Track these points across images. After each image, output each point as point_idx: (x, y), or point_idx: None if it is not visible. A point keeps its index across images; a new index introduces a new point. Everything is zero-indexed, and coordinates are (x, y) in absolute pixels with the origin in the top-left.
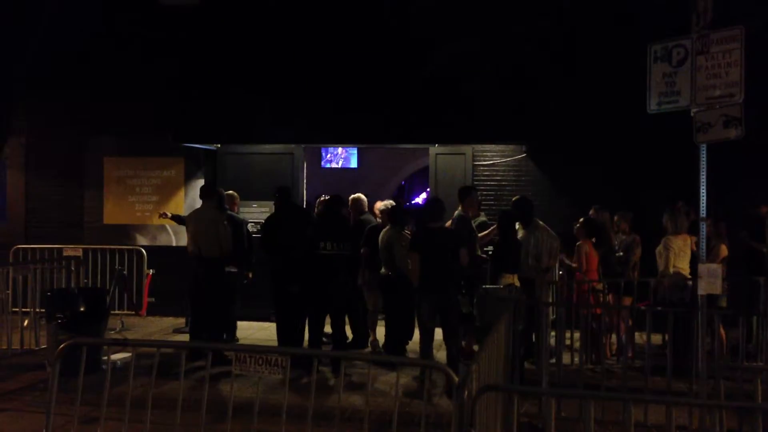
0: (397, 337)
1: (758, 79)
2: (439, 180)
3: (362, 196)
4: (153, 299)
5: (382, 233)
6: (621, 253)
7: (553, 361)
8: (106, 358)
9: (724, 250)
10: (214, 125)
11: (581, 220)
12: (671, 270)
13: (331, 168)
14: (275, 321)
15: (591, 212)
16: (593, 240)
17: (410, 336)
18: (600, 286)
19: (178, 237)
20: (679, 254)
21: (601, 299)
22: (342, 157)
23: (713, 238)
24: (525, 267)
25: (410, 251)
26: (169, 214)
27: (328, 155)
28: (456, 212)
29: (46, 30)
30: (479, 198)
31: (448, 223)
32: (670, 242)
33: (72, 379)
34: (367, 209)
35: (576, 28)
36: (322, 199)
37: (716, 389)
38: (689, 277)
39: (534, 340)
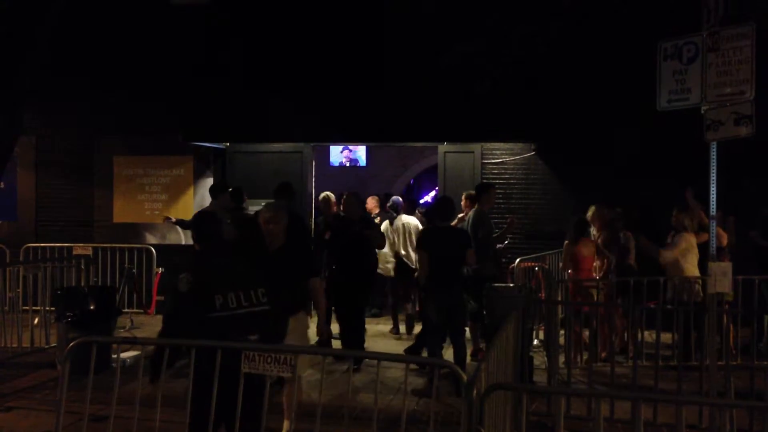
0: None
1: None
2: (447, 178)
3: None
4: (162, 297)
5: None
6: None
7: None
8: (115, 356)
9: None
10: (223, 124)
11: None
12: (693, 268)
13: (339, 166)
14: None
15: (590, 212)
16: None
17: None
18: (600, 285)
19: (187, 235)
20: (692, 252)
21: (595, 298)
22: (347, 156)
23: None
24: None
25: (419, 250)
26: (173, 219)
27: (342, 151)
28: (473, 209)
29: (56, 29)
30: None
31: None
32: (687, 239)
33: (82, 377)
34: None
35: (585, 25)
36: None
37: (727, 388)
38: (698, 275)
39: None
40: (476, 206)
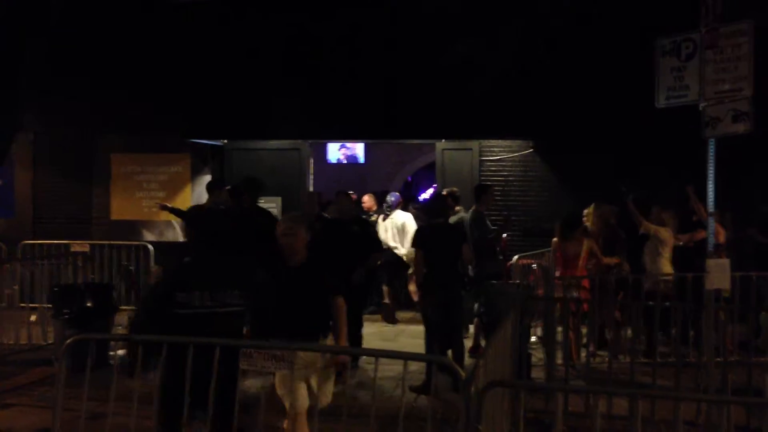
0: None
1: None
2: (445, 175)
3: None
4: None
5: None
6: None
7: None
8: (113, 353)
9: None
10: (221, 121)
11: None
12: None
13: (337, 163)
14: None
15: (589, 209)
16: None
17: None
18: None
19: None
20: (668, 246)
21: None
22: (345, 154)
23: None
24: None
25: (414, 248)
26: (169, 205)
27: (340, 149)
28: (471, 210)
29: (53, 27)
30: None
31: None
32: (659, 233)
33: (79, 374)
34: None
35: (584, 22)
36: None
37: (724, 384)
38: (671, 272)
39: None
40: (474, 207)
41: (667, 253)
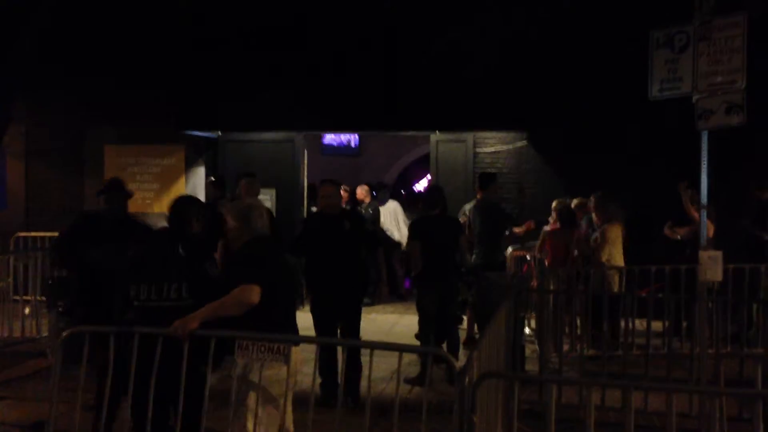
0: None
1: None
2: (440, 167)
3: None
4: None
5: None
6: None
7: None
8: None
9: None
10: (215, 113)
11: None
12: (604, 258)
13: (332, 155)
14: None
15: (591, 198)
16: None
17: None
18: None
19: None
20: (614, 243)
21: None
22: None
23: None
24: None
25: (410, 240)
26: None
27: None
28: (476, 198)
29: (46, 18)
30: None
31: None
32: (606, 231)
33: (73, 366)
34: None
35: (578, 13)
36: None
37: (716, 376)
38: (623, 265)
39: None
40: (481, 195)
41: (619, 248)
